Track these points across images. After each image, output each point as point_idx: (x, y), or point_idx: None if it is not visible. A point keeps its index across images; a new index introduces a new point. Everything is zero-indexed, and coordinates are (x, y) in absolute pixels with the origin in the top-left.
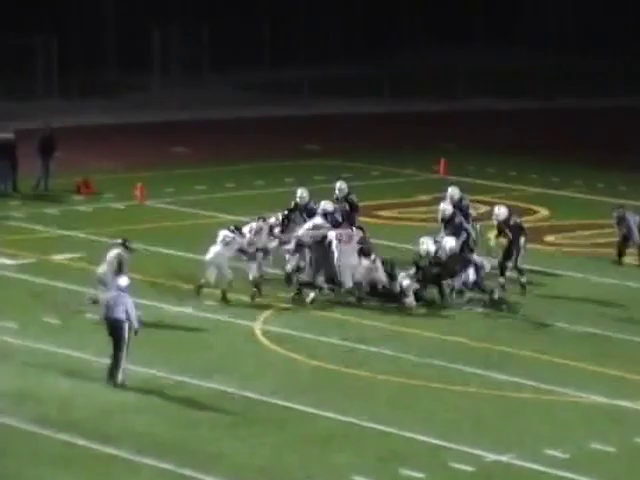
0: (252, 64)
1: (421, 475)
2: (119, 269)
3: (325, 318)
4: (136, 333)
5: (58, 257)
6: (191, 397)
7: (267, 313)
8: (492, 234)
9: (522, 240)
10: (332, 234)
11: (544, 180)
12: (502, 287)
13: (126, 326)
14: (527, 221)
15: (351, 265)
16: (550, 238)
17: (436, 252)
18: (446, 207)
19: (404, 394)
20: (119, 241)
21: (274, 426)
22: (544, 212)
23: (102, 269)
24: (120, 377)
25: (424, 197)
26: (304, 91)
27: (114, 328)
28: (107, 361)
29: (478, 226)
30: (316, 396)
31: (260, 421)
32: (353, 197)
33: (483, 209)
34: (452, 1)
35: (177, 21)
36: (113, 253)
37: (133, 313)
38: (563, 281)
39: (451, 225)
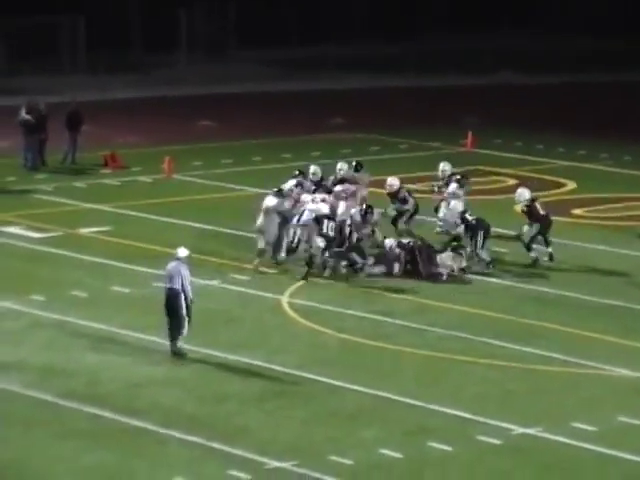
0: (277, 41)
1: (449, 448)
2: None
3: (351, 291)
4: (192, 303)
5: (85, 230)
6: (218, 371)
7: (294, 286)
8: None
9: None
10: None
11: (571, 154)
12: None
13: (182, 296)
14: (554, 194)
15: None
16: (577, 211)
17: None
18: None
19: (431, 368)
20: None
21: (301, 400)
22: (571, 185)
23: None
24: (179, 344)
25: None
26: (331, 66)
27: (170, 297)
28: (134, 334)
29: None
30: (343, 369)
31: (287, 395)
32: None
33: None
34: None
35: None
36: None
37: (188, 285)
38: (590, 254)
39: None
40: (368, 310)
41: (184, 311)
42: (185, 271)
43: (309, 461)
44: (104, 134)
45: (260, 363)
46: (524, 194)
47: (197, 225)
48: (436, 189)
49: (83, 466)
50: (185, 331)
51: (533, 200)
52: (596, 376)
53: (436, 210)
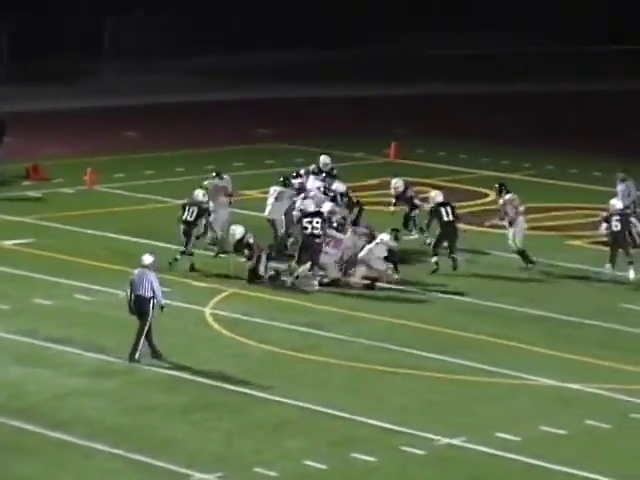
0: (204, 50)
1: (373, 459)
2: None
3: (276, 303)
4: (162, 309)
5: (7, 243)
6: (143, 382)
7: (218, 298)
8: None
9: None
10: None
11: (495, 164)
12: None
13: (151, 303)
14: (477, 204)
15: None
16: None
17: None
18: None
19: (356, 379)
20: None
21: (226, 412)
22: (494, 195)
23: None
24: (137, 355)
25: (372, 181)
26: (256, 76)
27: (140, 304)
28: (58, 346)
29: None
30: (268, 381)
31: (212, 406)
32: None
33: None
34: None
35: (129, 7)
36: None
37: (159, 290)
38: (515, 264)
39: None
40: (294, 321)
41: (150, 319)
42: (153, 277)
43: (234, 473)
44: (28, 145)
45: (185, 375)
46: (437, 197)
47: (118, 237)
48: (392, 208)
49: (7, 479)
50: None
51: (444, 205)
52: (521, 386)
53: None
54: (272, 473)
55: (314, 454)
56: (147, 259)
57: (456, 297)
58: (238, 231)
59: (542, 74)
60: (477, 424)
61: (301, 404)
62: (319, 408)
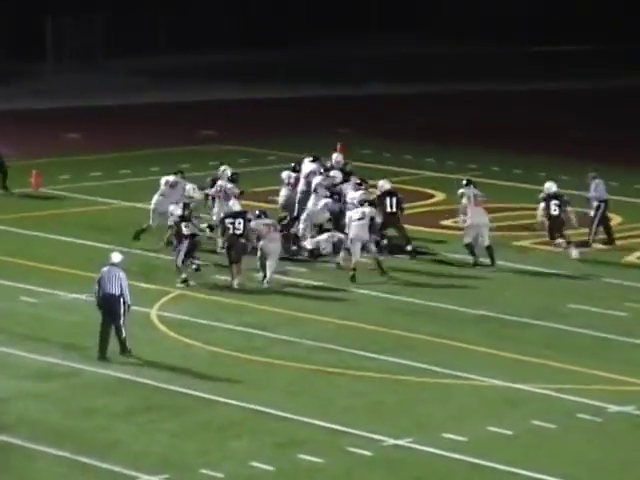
0: (146, 50)
1: (319, 460)
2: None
3: (221, 304)
4: (129, 308)
5: None
6: (88, 384)
7: (164, 299)
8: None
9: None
10: None
11: (440, 164)
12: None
13: (121, 301)
14: (423, 205)
15: None
16: (446, 222)
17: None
18: (384, 185)
19: (301, 380)
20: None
21: (172, 413)
22: (440, 196)
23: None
24: (128, 348)
25: None
26: (201, 76)
27: (110, 303)
28: (1, 349)
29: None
30: (213, 383)
31: (157, 408)
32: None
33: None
34: None
35: (70, 7)
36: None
37: (127, 289)
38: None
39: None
40: (238, 322)
41: (123, 317)
42: (122, 275)
43: (180, 475)
44: None
45: (129, 377)
46: (384, 186)
47: (64, 239)
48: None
49: None
50: (124, 333)
51: (390, 194)
52: (466, 386)
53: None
54: (218, 474)
55: (260, 455)
56: (116, 257)
57: (399, 297)
58: (177, 212)
59: (482, 74)
60: (423, 424)
61: (247, 405)
62: (265, 409)
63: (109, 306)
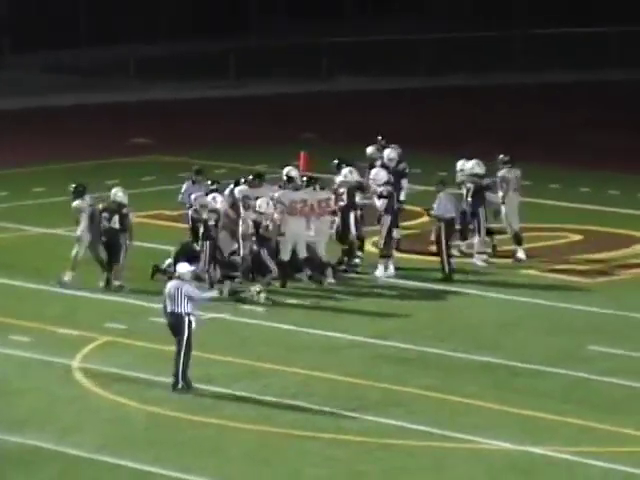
0: (62, 43)
1: None
2: None
3: (160, 353)
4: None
5: None
6: None
7: (88, 347)
8: None
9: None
10: None
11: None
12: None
13: (186, 320)
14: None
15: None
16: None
17: None
18: None
19: (262, 445)
20: None
21: None
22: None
23: None
24: (180, 385)
25: None
26: (130, 73)
27: (173, 321)
28: None
29: None
30: (152, 451)
31: None
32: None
33: None
34: None
35: None
36: None
37: (197, 294)
38: (456, 295)
39: None
40: None
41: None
42: (189, 288)
43: None
44: None
45: (49, 446)
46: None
47: None
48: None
49: None
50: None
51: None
52: (466, 451)
53: None
54: None
55: None
56: (182, 268)
57: (384, 341)
58: (119, 195)
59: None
60: None
61: (194, 478)
62: None
63: (174, 326)
